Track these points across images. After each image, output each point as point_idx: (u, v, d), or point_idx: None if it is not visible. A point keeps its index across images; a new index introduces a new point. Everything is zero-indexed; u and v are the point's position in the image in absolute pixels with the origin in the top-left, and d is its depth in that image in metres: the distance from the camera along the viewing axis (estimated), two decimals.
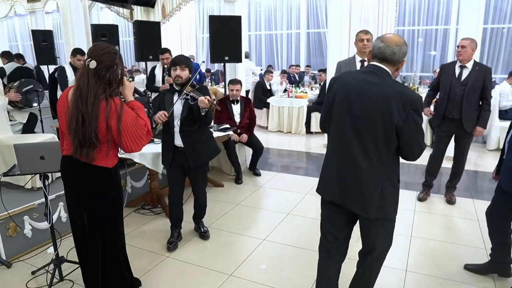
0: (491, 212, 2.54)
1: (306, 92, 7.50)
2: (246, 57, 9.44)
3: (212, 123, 4.52)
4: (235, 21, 5.66)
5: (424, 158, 4.04)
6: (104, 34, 6.67)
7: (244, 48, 10.42)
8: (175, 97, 2.90)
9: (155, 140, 3.62)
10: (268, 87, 7.93)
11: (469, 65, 3.53)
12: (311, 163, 5.68)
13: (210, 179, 4.57)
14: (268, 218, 3.65)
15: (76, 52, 4.90)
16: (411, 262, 2.83)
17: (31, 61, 8.38)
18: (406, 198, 4.02)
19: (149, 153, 3.44)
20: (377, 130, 1.70)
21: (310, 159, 5.90)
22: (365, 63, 3.46)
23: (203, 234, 3.26)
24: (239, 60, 5.81)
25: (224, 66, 5.99)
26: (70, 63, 4.86)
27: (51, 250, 2.90)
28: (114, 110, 1.99)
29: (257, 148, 4.76)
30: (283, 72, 8.36)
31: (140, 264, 2.81)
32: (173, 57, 4.86)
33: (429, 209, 3.80)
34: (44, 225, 3.00)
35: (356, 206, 1.82)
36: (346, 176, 1.81)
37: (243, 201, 4.08)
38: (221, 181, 4.57)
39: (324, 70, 7.66)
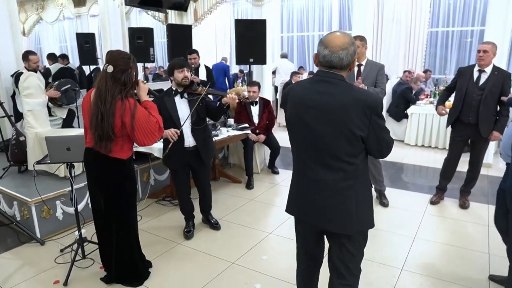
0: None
1: None
2: (284, 57, 9.61)
3: (232, 122, 4.77)
4: (260, 24, 5.85)
5: (440, 162, 4.10)
6: (140, 37, 7.10)
7: (276, 49, 10.66)
8: (177, 98, 3.05)
9: None
10: None
11: (488, 69, 3.49)
12: None
13: (229, 175, 4.83)
14: (278, 214, 3.83)
15: (62, 57, 5.31)
16: (408, 262, 2.91)
17: (77, 61, 9.04)
18: (418, 200, 4.06)
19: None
20: (339, 143, 1.60)
21: None
22: (362, 67, 3.57)
23: (215, 225, 3.49)
24: (263, 62, 6.00)
25: (250, 67, 6.22)
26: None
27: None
28: (128, 108, 2.28)
29: (274, 147, 4.94)
30: (311, 73, 8.46)
31: (154, 249, 3.10)
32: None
33: (440, 212, 3.82)
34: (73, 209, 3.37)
35: (329, 224, 1.71)
36: (314, 194, 1.70)
37: (258, 197, 4.28)
38: (239, 178, 4.79)
39: None
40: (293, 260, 2.81)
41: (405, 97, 6.54)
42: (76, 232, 3.29)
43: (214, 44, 10.78)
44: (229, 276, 2.75)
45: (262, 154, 5.17)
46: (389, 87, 7.01)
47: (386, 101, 6.85)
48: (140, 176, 4.13)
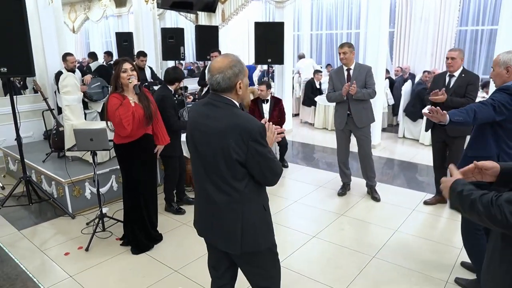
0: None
1: None
2: (302, 57, 9.89)
3: None
4: (279, 27, 6.22)
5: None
6: (172, 36, 7.67)
7: (306, 47, 10.91)
8: None
9: None
10: (318, 86, 8.35)
11: (457, 73, 3.68)
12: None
13: None
14: (275, 203, 4.22)
15: (140, 54, 5.94)
16: (382, 251, 3.22)
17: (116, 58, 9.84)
18: (411, 197, 4.29)
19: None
20: (220, 166, 1.65)
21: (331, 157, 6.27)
22: (350, 71, 3.88)
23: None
24: (281, 62, 6.38)
25: (269, 67, 6.61)
26: (135, 64, 5.90)
27: (104, 209, 3.82)
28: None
29: (282, 144, 5.33)
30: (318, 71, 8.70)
31: (166, 226, 3.63)
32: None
33: (432, 211, 4.00)
34: (101, 190, 3.97)
35: (221, 243, 1.79)
36: (208, 214, 1.79)
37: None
38: None
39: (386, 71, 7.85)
40: (281, 243, 3.28)
41: (420, 97, 6.64)
42: (104, 210, 3.93)
43: (241, 44, 11.19)
44: None
45: (273, 148, 5.57)
46: (408, 87, 7.12)
47: (403, 101, 6.98)
48: (158, 164, 4.67)
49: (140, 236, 3.21)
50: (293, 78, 8.95)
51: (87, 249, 3.24)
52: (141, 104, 3.02)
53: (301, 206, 4.15)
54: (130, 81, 2.92)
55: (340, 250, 3.24)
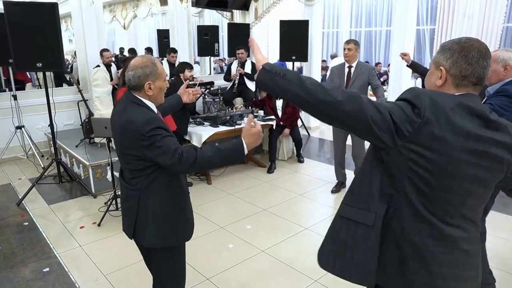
0: None
1: (385, 91, 7.65)
2: (335, 57, 9.85)
3: (257, 113, 5.44)
4: (303, 24, 6.32)
5: None
6: (207, 33, 8.07)
7: (340, 46, 10.80)
8: None
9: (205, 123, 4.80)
10: None
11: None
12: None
13: (255, 160, 5.52)
14: (280, 195, 4.41)
15: (171, 50, 6.35)
16: None
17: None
18: None
19: (194, 133, 4.59)
20: (125, 158, 1.76)
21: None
22: (352, 69, 3.92)
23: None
24: (305, 59, 6.49)
25: (293, 65, 6.74)
26: (167, 59, 6.33)
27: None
28: None
29: (296, 139, 5.48)
30: (377, 64, 8.61)
31: None
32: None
33: None
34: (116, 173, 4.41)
35: (126, 231, 1.91)
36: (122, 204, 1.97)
37: (273, 180, 4.90)
38: (265, 163, 5.44)
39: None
40: (273, 231, 3.46)
41: None
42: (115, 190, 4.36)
43: (274, 41, 11.32)
44: (213, 236, 3.48)
45: (289, 143, 5.73)
46: None
47: None
48: None
49: None
50: (326, 76, 8.98)
51: (99, 225, 3.66)
52: None
53: (303, 200, 4.30)
54: None
55: (308, 234, 3.37)
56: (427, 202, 1.20)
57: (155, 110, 1.83)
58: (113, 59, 6.52)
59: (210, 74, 9.03)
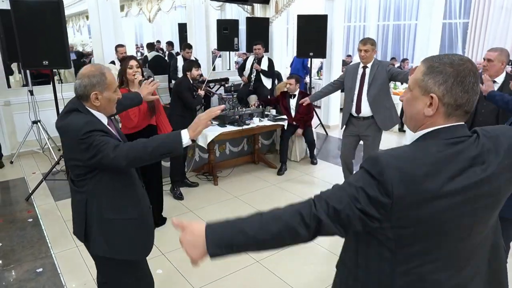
0: None
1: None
2: None
3: (268, 112, 5.27)
4: (322, 19, 6.07)
5: None
6: (226, 28, 7.94)
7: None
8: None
9: (212, 122, 4.68)
10: None
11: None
12: None
13: (266, 160, 5.38)
14: (286, 199, 4.25)
15: (185, 46, 6.27)
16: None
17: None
18: None
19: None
20: (69, 161, 1.75)
21: None
22: (367, 69, 3.64)
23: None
24: (323, 56, 6.24)
25: (311, 61, 6.50)
26: (182, 55, 6.27)
27: None
28: None
29: (309, 140, 5.28)
30: (403, 60, 8.22)
31: (174, 211, 3.92)
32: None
33: None
34: None
35: (77, 235, 1.84)
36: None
37: (281, 183, 4.75)
38: (276, 164, 5.29)
39: None
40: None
41: None
42: None
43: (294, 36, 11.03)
44: None
45: (302, 144, 5.54)
46: None
47: None
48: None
49: None
50: None
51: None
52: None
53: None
54: (135, 77, 3.19)
55: (316, 249, 3.21)
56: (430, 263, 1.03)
57: (104, 121, 1.75)
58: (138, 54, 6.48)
59: (230, 69, 8.93)
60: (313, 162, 5.44)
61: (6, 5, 4.92)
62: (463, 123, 1.04)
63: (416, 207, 0.95)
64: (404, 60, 8.56)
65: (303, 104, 4.41)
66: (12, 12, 3.69)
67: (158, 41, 11.34)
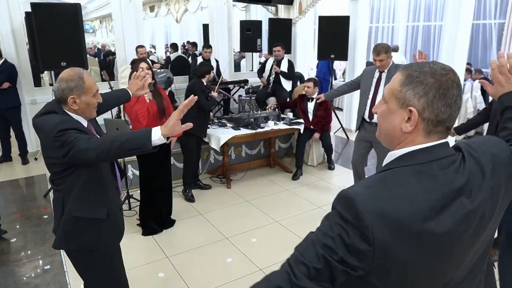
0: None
1: None
2: (394, 50, 9.13)
3: (285, 115, 5.18)
4: (344, 21, 5.92)
5: None
6: (249, 29, 7.91)
7: (400, 40, 10.11)
8: None
9: (227, 124, 4.68)
10: None
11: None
12: None
13: (282, 164, 5.29)
14: (298, 206, 4.16)
15: (204, 46, 6.28)
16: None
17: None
18: None
19: (213, 135, 4.48)
20: (46, 160, 1.73)
21: None
22: (383, 74, 3.48)
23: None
24: (344, 58, 6.09)
25: (333, 63, 6.35)
26: (202, 55, 6.29)
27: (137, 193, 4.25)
28: None
29: (326, 145, 5.15)
30: (433, 62, 7.87)
31: (183, 213, 3.93)
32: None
33: None
34: (130, 174, 4.44)
35: (55, 232, 1.86)
36: None
37: (294, 188, 4.65)
38: (292, 168, 5.19)
39: (479, 71, 6.92)
40: (279, 246, 3.27)
41: None
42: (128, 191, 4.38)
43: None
44: (214, 247, 3.35)
45: (319, 148, 5.42)
46: None
47: None
48: (201, 154, 4.98)
49: (150, 221, 3.54)
50: None
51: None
52: (155, 100, 3.31)
53: (318, 213, 4.02)
54: (144, 79, 3.19)
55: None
56: None
57: (84, 123, 1.76)
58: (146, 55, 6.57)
59: (253, 70, 8.88)
60: (331, 167, 5.31)
61: None
62: (444, 140, 0.93)
63: (400, 251, 0.84)
64: None
65: (318, 101, 4.31)
66: (32, 15, 3.80)
67: (189, 42, 11.48)
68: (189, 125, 1.61)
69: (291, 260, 0.90)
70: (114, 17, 6.13)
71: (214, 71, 6.50)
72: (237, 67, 10.22)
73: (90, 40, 16.68)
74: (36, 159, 5.57)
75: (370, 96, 3.56)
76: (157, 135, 1.53)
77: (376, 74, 3.56)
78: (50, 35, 3.85)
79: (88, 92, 1.71)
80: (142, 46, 5.71)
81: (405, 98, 0.91)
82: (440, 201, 0.86)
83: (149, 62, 3.34)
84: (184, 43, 12.69)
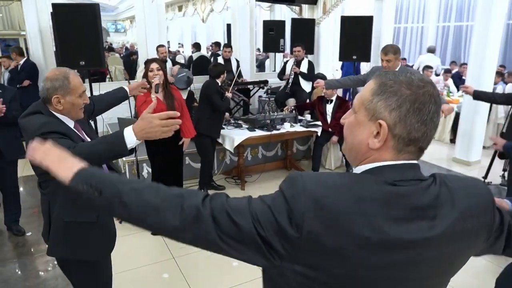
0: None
1: (462, 96, 6.66)
2: (431, 51, 8.77)
3: (302, 117, 5.09)
4: (367, 21, 5.74)
5: None
6: (272, 29, 7.84)
7: (431, 41, 9.76)
8: None
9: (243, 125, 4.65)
10: None
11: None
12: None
13: (299, 166, 5.21)
14: None
15: (224, 45, 6.28)
16: None
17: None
18: None
19: (227, 136, 4.45)
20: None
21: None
22: None
23: None
24: (367, 59, 5.91)
25: (355, 65, 6.19)
26: (222, 55, 6.30)
27: None
28: None
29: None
30: (447, 71, 7.56)
31: None
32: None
33: None
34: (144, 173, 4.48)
35: (44, 235, 1.84)
36: None
37: None
38: (308, 171, 5.10)
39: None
40: None
41: None
42: None
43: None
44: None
45: (338, 151, 5.29)
46: None
47: None
48: (217, 155, 4.96)
49: None
50: None
51: (120, 222, 3.74)
52: (165, 101, 3.31)
53: None
54: (152, 80, 3.20)
55: None
56: None
57: (70, 124, 1.74)
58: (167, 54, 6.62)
59: (275, 70, 8.81)
60: (349, 171, 5.17)
61: None
62: (415, 162, 0.83)
63: (331, 254, 0.74)
64: (462, 64, 7.87)
65: (315, 84, 4.23)
66: (53, 15, 3.90)
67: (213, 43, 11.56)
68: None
69: (216, 206, 0.81)
70: (137, 17, 6.23)
71: (235, 71, 6.49)
72: (261, 67, 10.20)
73: (121, 40, 17.15)
74: None
75: None
76: (131, 140, 1.45)
77: None
78: (70, 34, 3.93)
79: (73, 92, 1.69)
80: (162, 46, 5.77)
81: (375, 109, 0.80)
82: (396, 212, 0.76)
83: (161, 63, 3.34)
84: (212, 44, 12.75)
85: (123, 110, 4.33)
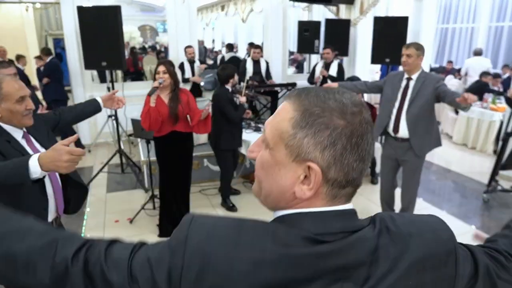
0: None
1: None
2: (478, 54, 8.16)
3: None
4: (402, 22, 5.41)
5: None
6: (307, 29, 7.66)
7: (478, 43, 9.08)
8: None
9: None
10: None
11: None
12: (442, 192, 4.96)
13: None
14: None
15: (252, 46, 6.20)
16: None
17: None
18: None
19: (245, 141, 4.36)
20: None
21: (452, 187, 5.09)
22: (411, 82, 3.06)
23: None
24: (400, 62, 5.55)
25: (387, 67, 5.85)
26: (251, 56, 6.24)
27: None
28: None
29: None
30: (496, 76, 6.95)
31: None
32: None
33: None
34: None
35: None
36: None
37: None
38: None
39: None
40: None
41: None
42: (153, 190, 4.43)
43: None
44: None
45: None
46: None
47: None
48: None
49: (166, 223, 3.55)
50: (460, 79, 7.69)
51: (131, 221, 3.80)
52: (169, 104, 3.24)
53: None
54: (154, 82, 3.18)
55: None
56: None
57: (17, 134, 1.68)
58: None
59: (309, 72, 8.61)
60: (373, 181, 4.90)
61: None
62: (349, 207, 0.67)
63: None
64: None
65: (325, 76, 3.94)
66: (78, 17, 4.03)
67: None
68: None
69: (92, 258, 0.68)
70: (168, 18, 6.33)
71: (264, 72, 6.39)
72: (300, 68, 10.03)
73: (165, 40, 17.65)
74: (89, 151, 5.96)
75: (397, 105, 3.16)
76: (35, 171, 1.37)
77: (403, 82, 3.16)
78: (93, 36, 4.05)
79: (7, 98, 1.61)
80: (190, 47, 5.81)
81: (300, 148, 0.62)
82: (305, 274, 0.60)
83: (169, 66, 3.27)
84: (232, 43, 12.66)
85: (138, 112, 4.44)
